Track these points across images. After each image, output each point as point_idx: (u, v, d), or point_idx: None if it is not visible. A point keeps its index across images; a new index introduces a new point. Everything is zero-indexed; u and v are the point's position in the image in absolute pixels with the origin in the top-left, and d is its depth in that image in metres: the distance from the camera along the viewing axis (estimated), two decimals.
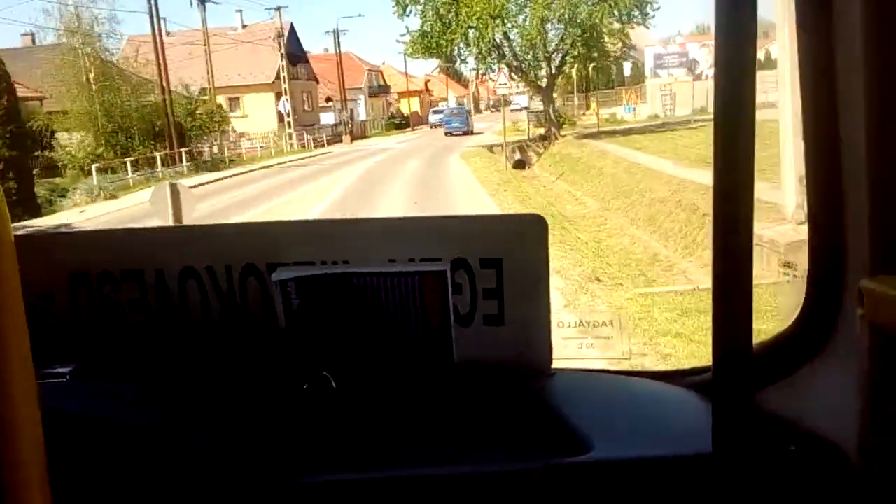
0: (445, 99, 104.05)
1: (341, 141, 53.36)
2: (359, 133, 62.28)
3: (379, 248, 1.18)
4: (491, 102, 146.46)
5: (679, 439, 1.05)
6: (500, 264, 1.18)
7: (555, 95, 48.21)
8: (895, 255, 0.76)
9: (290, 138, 47.38)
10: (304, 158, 38.24)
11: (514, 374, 1.19)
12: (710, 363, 0.89)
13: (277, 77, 51.92)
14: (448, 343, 1.17)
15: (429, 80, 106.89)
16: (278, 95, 53.68)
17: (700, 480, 0.93)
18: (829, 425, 0.95)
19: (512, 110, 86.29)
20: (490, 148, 35.70)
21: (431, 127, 53.30)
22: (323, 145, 50.62)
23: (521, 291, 1.18)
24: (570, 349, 1.25)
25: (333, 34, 54.11)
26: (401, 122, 75.20)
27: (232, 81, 51.47)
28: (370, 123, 69.80)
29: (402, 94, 77.89)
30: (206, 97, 48.48)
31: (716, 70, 0.80)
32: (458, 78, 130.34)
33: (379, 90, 76.98)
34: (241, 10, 55.19)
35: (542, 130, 35.81)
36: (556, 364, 1.23)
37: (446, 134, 51.16)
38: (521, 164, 31.61)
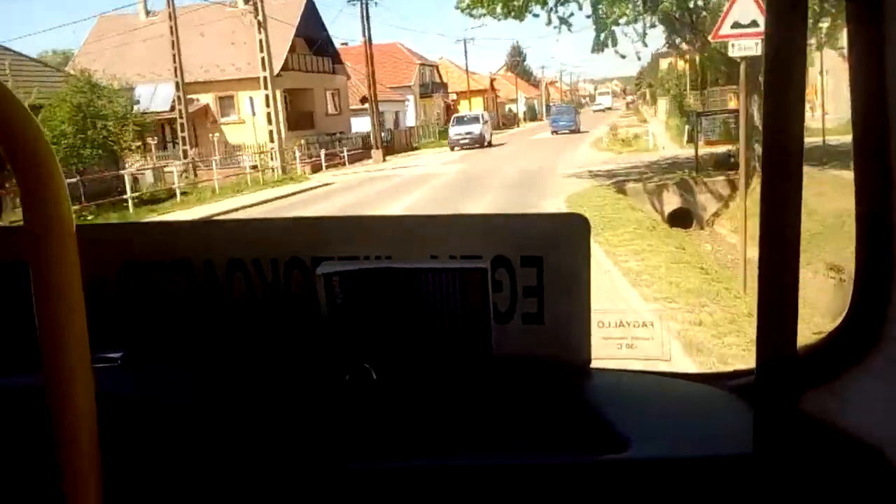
0: (515, 100, 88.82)
1: (370, 157, 38.11)
2: (403, 144, 47.07)
3: (421, 244, 1.20)
4: (559, 105, 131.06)
5: (718, 441, 1.04)
6: (540, 263, 1.18)
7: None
8: None
9: (273, 158, 32.09)
10: (256, 204, 21.83)
11: (552, 371, 1.19)
12: (752, 367, 0.90)
13: (286, 67, 37.25)
14: (487, 340, 1.18)
15: (494, 80, 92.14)
16: (290, 94, 38.91)
17: (739, 482, 0.92)
18: (873, 430, 0.95)
19: (594, 111, 69.91)
20: (612, 178, 19.80)
21: (451, 148, 41.04)
22: (343, 164, 35.66)
23: (561, 290, 1.18)
24: (610, 349, 1.24)
25: (360, 5, 38.61)
26: None
27: (225, 74, 37.06)
28: (421, 130, 54.62)
29: (461, 95, 62.77)
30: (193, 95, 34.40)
31: (765, 92, 0.82)
32: (527, 77, 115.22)
33: (433, 89, 61.68)
34: None
35: (708, 149, 19.43)
36: (595, 364, 1.21)
37: (553, 133, 48.46)
38: (682, 220, 15.77)
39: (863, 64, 0.88)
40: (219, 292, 1.24)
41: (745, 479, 0.90)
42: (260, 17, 27.97)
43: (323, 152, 35.18)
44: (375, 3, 35.88)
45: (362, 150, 39.42)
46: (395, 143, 46.00)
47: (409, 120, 55.54)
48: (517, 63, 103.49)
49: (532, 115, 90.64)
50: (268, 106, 31.58)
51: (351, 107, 46.39)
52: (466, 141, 39.87)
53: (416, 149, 48.82)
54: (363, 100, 48.77)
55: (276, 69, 36.76)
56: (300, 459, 0.99)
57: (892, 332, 0.92)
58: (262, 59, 31.47)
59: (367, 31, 38.65)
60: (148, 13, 40.32)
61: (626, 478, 0.98)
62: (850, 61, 0.90)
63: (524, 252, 1.18)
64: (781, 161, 0.81)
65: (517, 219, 1.25)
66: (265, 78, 31.16)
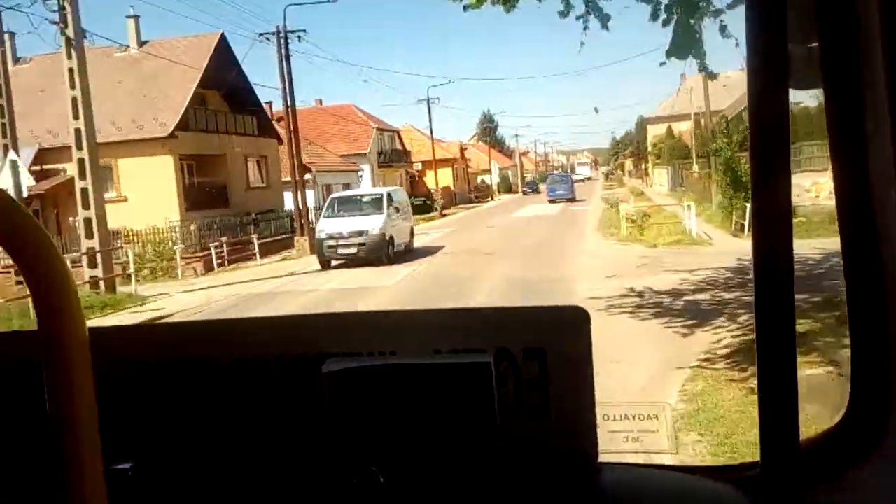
0: (488, 170, 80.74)
1: (293, 245, 28.41)
2: None
3: (425, 338, 1.19)
4: (536, 176, 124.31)
5: None
6: (543, 355, 1.18)
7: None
8: None
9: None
10: None
11: (560, 466, 1.18)
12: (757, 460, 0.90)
13: (185, 125, 27.91)
14: (494, 435, 1.16)
15: (465, 148, 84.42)
16: (193, 161, 29.51)
17: None
18: None
19: (574, 181, 64.94)
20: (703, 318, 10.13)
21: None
22: (253, 257, 25.86)
23: (565, 383, 1.17)
24: (617, 442, 1.06)
25: (279, 57, 29.20)
26: (424, 202, 50.94)
27: (105, 135, 27.52)
28: None
29: (427, 165, 54.08)
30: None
31: (750, 154, 0.82)
32: (499, 146, 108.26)
33: (394, 158, 52.77)
34: (136, 17, 31.12)
35: None
36: (602, 458, 1.20)
37: (550, 201, 48.81)
38: None
39: (844, 153, 0.87)
40: (225, 394, 1.22)
41: None
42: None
43: (225, 242, 25.34)
44: (299, 37, 29.96)
45: (291, 235, 29.76)
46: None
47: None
48: (488, 130, 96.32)
49: (507, 187, 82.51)
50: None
51: (284, 178, 37.10)
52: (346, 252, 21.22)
53: None
54: (305, 170, 39.83)
55: (170, 127, 27.24)
56: None
57: (892, 431, 0.92)
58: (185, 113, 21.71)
59: (286, 72, 29.25)
60: (17, 60, 30.87)
61: None
62: (830, 144, 0.88)
63: (526, 345, 1.17)
64: (771, 252, 0.78)
65: (518, 312, 1.24)
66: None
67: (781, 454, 0.83)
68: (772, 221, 0.79)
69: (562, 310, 1.18)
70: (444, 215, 46.61)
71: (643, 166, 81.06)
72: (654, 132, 56.80)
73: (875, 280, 0.88)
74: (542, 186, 77.76)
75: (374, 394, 1.15)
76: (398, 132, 56.09)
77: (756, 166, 0.81)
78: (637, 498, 1.16)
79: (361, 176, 46.28)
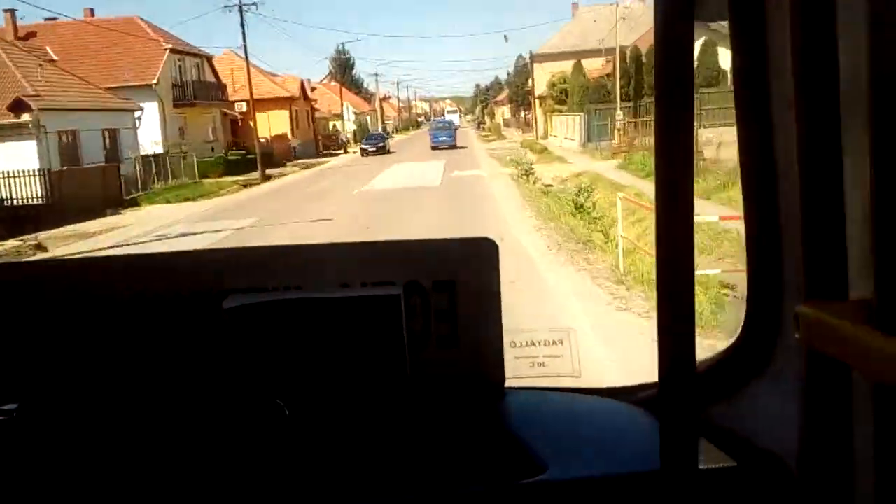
0: (340, 115, 65.95)
1: None
2: (95, 196, 22.59)
3: (332, 272, 1.17)
4: (398, 123, 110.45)
5: (630, 457, 1.07)
6: (453, 287, 1.18)
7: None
8: (829, 281, 0.79)
9: None
10: None
11: (468, 394, 1.20)
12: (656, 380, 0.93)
13: None
14: (402, 366, 1.17)
15: (314, 88, 69.15)
16: None
17: (652, 498, 0.95)
18: (773, 441, 0.98)
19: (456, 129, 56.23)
20: None
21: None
22: None
23: (474, 313, 1.19)
24: (523, 367, 1.27)
25: None
26: (245, 158, 35.82)
27: None
28: (170, 161, 30.24)
29: (259, 105, 39.02)
30: None
31: (656, 98, 0.83)
32: (356, 88, 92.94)
33: (199, 93, 37.01)
34: None
35: None
36: (508, 383, 1.23)
37: (433, 148, 44.41)
38: None
39: (747, 88, 0.91)
40: (120, 332, 1.18)
41: (655, 495, 0.91)
42: None
43: None
44: None
45: None
46: (61, 197, 21.48)
47: (148, 142, 30.81)
48: (342, 68, 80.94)
49: (364, 136, 68.52)
50: None
51: None
52: None
53: (136, 204, 24.43)
54: (16, 106, 23.93)
55: None
56: None
57: (785, 346, 0.95)
58: None
59: None
60: None
61: (545, 501, 0.99)
62: (735, 86, 0.92)
63: (436, 277, 1.17)
64: (672, 173, 0.82)
65: (429, 244, 1.22)
66: None
67: (679, 375, 0.85)
68: (674, 153, 0.81)
69: (471, 242, 1.19)
70: (268, 178, 31.90)
71: (525, 115, 69.54)
72: (551, 70, 44.41)
73: (770, 211, 0.91)
74: (397, 141, 64.91)
75: (279, 329, 1.13)
76: (209, 58, 40.18)
77: (660, 101, 0.81)
78: (541, 419, 1.19)
79: (140, 118, 30.73)
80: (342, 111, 57.53)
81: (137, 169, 27.95)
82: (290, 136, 45.15)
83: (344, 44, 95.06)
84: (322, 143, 55.52)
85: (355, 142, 67.98)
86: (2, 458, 0.68)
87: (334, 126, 63.52)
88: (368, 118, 75.45)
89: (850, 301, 0.76)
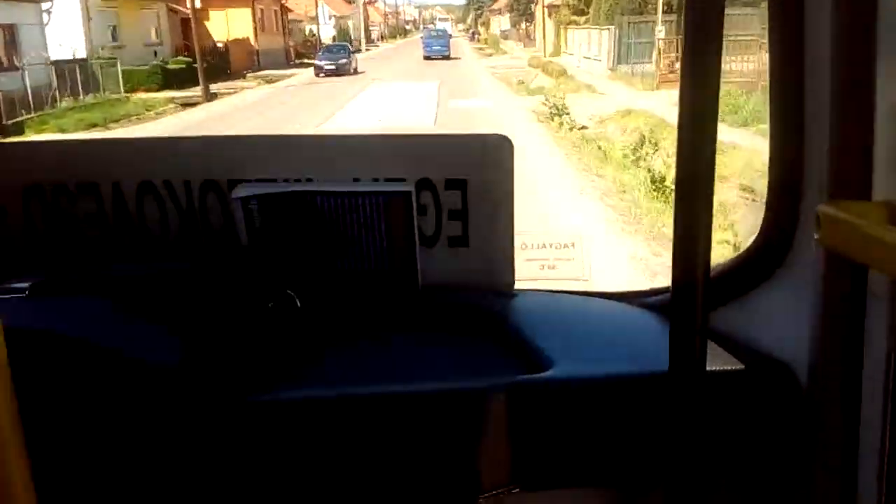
0: (314, 18, 57.91)
1: None
2: None
3: (343, 165, 1.15)
4: (384, 29, 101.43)
5: (638, 358, 1.06)
6: (465, 186, 1.16)
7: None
8: (853, 181, 0.78)
9: None
10: None
11: (477, 294, 1.20)
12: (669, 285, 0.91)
13: None
14: (413, 264, 1.16)
15: None
16: None
17: (657, 398, 0.94)
18: (780, 346, 0.99)
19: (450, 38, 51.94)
20: None
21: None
22: None
23: (485, 213, 1.18)
24: (533, 269, 1.25)
25: None
26: (190, 67, 28.56)
27: None
28: (98, 70, 23.44)
29: (207, 2, 31.64)
30: None
31: (686, 16, 0.82)
32: None
33: None
34: None
35: None
36: (518, 285, 1.22)
37: (426, 58, 41.54)
38: None
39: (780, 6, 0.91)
40: (129, 217, 1.18)
41: (661, 396, 0.91)
42: None
43: None
44: None
45: None
46: None
47: (64, 45, 23.89)
48: None
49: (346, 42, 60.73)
50: None
51: None
52: None
53: (19, 131, 17.84)
54: None
55: None
56: (208, 394, 0.95)
57: (801, 252, 0.94)
58: None
59: None
60: None
61: (550, 398, 0.99)
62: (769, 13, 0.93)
63: (449, 174, 1.15)
64: (698, 90, 0.81)
65: (441, 140, 1.21)
66: None
67: (691, 278, 0.84)
68: (701, 67, 0.80)
69: (485, 138, 1.16)
70: (213, 96, 25.12)
71: (527, 26, 61.81)
72: None
73: (797, 107, 0.90)
74: (381, 51, 57.54)
75: (289, 221, 1.12)
76: None
77: (691, 15, 0.79)
78: (550, 320, 1.18)
79: (50, 11, 23.72)
80: (317, 12, 49.57)
81: (52, 79, 21.29)
82: (252, 40, 37.77)
83: None
84: (295, 50, 48.06)
85: None
86: (16, 337, 0.68)
87: (311, 31, 55.70)
88: (351, 23, 67.30)
89: (873, 202, 0.75)
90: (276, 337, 1.08)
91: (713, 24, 0.79)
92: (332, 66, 32.94)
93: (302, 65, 44.15)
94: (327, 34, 60.29)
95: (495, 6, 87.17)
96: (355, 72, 33.61)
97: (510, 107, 18.55)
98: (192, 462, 0.95)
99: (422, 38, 51.56)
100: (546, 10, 41.98)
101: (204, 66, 25.42)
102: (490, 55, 49.39)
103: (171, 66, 28.39)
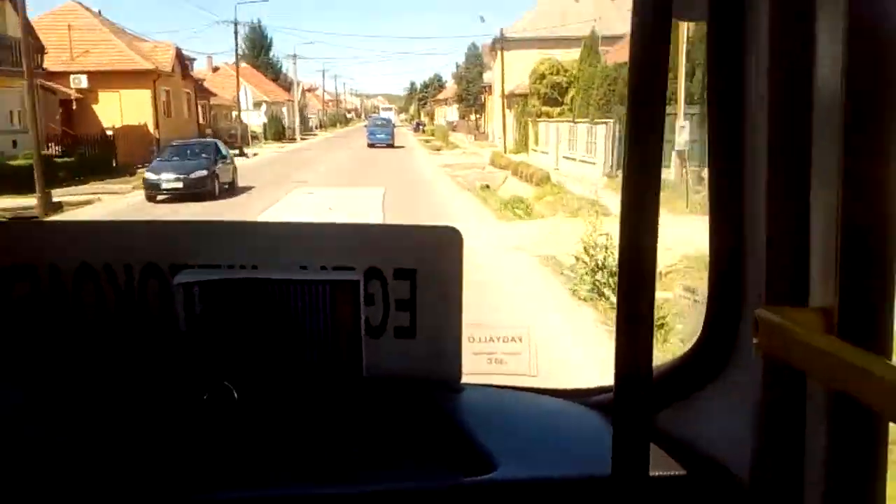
0: (240, 106, 51.39)
1: None
2: None
3: (290, 253, 1.15)
4: (324, 118, 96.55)
5: (582, 460, 1.05)
6: (413, 276, 1.16)
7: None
8: (790, 287, 0.79)
9: None
10: None
11: (423, 388, 1.17)
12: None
13: None
14: (358, 355, 1.14)
15: (217, 69, 54.78)
16: None
17: (599, 502, 0.93)
18: (723, 449, 0.98)
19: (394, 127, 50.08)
20: None
21: None
22: None
23: (433, 304, 1.17)
24: (480, 363, 1.23)
25: None
26: (59, 158, 20.90)
27: None
28: None
29: (105, 79, 24.76)
30: None
31: (628, 99, 0.83)
32: (272, 73, 78.24)
33: None
34: None
35: None
36: (465, 378, 1.20)
37: (370, 146, 40.60)
38: None
39: (719, 95, 0.91)
40: (66, 301, 1.14)
41: (604, 497, 0.89)
42: None
43: None
44: None
45: None
46: None
47: None
48: (257, 48, 66.20)
49: (278, 131, 54.34)
50: None
51: None
52: None
53: None
54: None
55: None
56: (143, 491, 0.92)
57: (741, 355, 0.94)
58: None
59: None
60: None
61: (493, 500, 0.98)
62: (708, 95, 0.92)
63: (398, 264, 1.15)
64: (640, 176, 0.79)
65: (391, 230, 1.21)
66: None
67: (634, 379, 0.83)
68: (644, 155, 0.78)
69: (435, 230, 1.16)
70: (56, 208, 17.54)
71: (478, 118, 56.86)
72: (535, 58, 31.60)
73: (735, 213, 0.90)
74: (319, 141, 52.10)
75: (231, 308, 1.10)
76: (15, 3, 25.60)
77: (633, 97, 0.78)
78: (495, 418, 1.16)
79: None
80: (238, 95, 43.11)
81: None
82: (152, 127, 30.68)
83: (260, 20, 79.77)
84: (228, 141, 41.33)
85: (265, 139, 53.93)
86: None
87: (237, 117, 49.26)
88: (286, 109, 61.36)
89: (810, 308, 0.76)
90: (211, 430, 1.04)
91: (655, 117, 0.77)
92: (178, 184, 18.66)
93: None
94: (256, 122, 54.00)
95: (441, 96, 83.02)
96: (229, 189, 20.07)
97: (499, 245, 11.63)
98: None
99: (366, 126, 50.66)
100: (505, 99, 36.57)
101: (73, 159, 17.85)
102: (439, 149, 43.52)
103: (12, 164, 20.80)
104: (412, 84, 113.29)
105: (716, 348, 0.98)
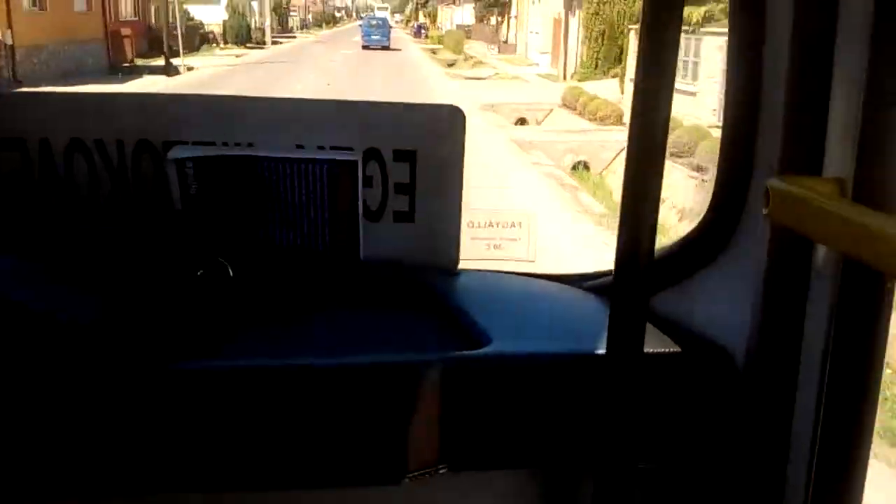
0: None
1: None
2: None
3: (287, 131, 1.12)
4: (309, 17, 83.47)
5: (576, 339, 1.05)
6: (413, 157, 1.13)
7: None
8: (804, 158, 0.78)
9: None
10: None
11: (419, 271, 1.18)
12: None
13: None
14: (355, 238, 1.13)
15: None
16: None
17: (593, 380, 0.95)
18: (720, 330, 0.99)
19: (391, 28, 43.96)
20: None
21: None
22: None
23: (433, 187, 1.14)
24: (479, 249, 1.22)
25: None
26: None
27: None
28: None
29: None
30: None
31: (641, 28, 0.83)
32: None
33: None
34: None
35: None
36: (462, 264, 1.20)
37: (364, 47, 39.33)
38: None
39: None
40: (56, 175, 1.11)
41: (597, 378, 0.91)
42: None
43: None
44: None
45: None
46: None
47: None
48: None
49: (239, 34, 42.21)
50: None
51: None
52: None
53: None
54: None
55: None
56: (126, 359, 0.93)
57: (744, 234, 0.94)
58: None
59: None
60: None
61: (486, 373, 0.98)
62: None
63: (397, 145, 1.12)
64: (653, 70, 0.80)
65: (392, 108, 1.16)
66: None
67: (635, 261, 0.84)
68: (657, 50, 0.79)
69: (437, 108, 1.14)
70: None
71: (497, 21, 44.66)
72: None
73: (754, 80, 0.88)
74: (296, 45, 40.12)
75: (227, 186, 1.08)
76: None
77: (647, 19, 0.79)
78: (491, 299, 1.16)
79: None
80: None
81: None
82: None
83: None
84: (148, 40, 29.84)
85: (225, 42, 41.72)
86: None
87: (187, 12, 37.16)
88: (254, 4, 48.80)
89: (824, 177, 0.76)
90: (203, 305, 1.04)
91: (675, 8, 0.77)
92: None
93: (137, 71, 25.77)
94: (213, 18, 41.65)
95: None
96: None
97: None
98: (102, 425, 0.91)
99: (360, 25, 47.85)
100: None
101: None
102: (452, 65, 31.90)
103: None
104: None
105: (721, 226, 0.96)
